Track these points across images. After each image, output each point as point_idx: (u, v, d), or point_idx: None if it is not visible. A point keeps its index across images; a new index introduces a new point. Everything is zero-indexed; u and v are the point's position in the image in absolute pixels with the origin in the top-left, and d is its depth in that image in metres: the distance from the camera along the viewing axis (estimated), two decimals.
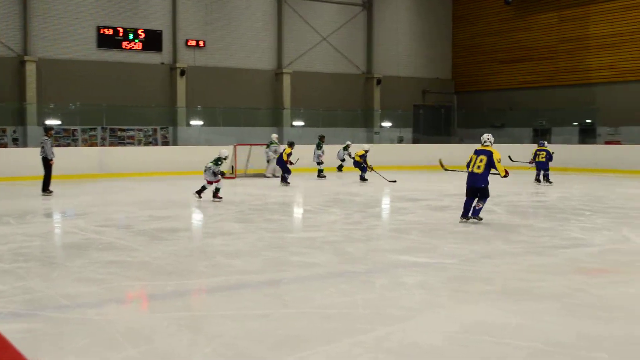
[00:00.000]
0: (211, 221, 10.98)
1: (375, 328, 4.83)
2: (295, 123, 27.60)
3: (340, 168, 22.29)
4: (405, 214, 11.61)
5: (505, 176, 10.33)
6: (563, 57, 29.41)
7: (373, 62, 30.49)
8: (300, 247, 8.34)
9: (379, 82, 30.19)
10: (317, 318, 5.16)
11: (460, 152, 25.40)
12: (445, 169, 11.80)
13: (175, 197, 14.49)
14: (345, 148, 21.80)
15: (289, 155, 17.90)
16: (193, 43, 25.55)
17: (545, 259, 7.44)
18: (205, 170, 13.43)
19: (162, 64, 25.05)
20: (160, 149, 23.06)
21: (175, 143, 24.44)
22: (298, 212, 13.03)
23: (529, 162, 18.17)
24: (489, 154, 10.13)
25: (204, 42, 25.85)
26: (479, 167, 10.14)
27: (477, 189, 10.24)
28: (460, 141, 29.71)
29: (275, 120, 27.26)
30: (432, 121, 31.80)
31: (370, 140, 27.23)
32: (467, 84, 33.09)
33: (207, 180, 13.48)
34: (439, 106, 32.54)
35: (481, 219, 10.33)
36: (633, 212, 11.92)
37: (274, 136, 20.85)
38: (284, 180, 17.68)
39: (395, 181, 17.47)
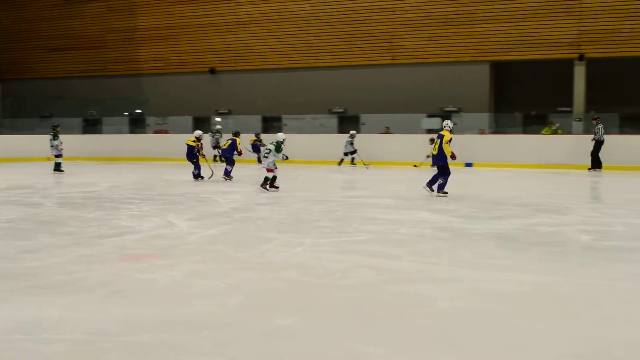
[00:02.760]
0: None
1: None
2: None
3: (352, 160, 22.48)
4: None
5: (452, 157, 12.16)
6: (113, 47, 29.64)
7: None
8: None
9: None
10: None
11: (11, 143, 24.09)
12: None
13: None
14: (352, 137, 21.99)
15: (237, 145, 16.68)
16: None
17: (92, 249, 7.36)
18: (265, 157, 13.57)
19: None
20: None
21: None
22: None
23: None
24: (441, 137, 12.15)
25: None
26: (435, 149, 12.27)
27: (438, 167, 12.30)
28: (9, 132, 28.10)
29: None
30: None
31: None
32: (13, 71, 31.39)
33: (266, 169, 13.50)
34: None
35: (446, 193, 12.36)
36: (178, 199, 12.51)
37: None
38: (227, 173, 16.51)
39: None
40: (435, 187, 12.72)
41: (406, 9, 25.48)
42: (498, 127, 24.58)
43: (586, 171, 19.44)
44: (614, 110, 23.36)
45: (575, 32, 23.47)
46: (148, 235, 8.39)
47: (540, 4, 23.85)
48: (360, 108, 26.04)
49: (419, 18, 25.28)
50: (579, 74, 23.58)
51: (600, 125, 19.81)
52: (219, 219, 9.78)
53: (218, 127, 23.83)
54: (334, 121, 26.66)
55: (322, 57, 26.78)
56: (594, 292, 5.52)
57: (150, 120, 28.49)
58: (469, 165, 21.20)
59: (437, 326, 4.58)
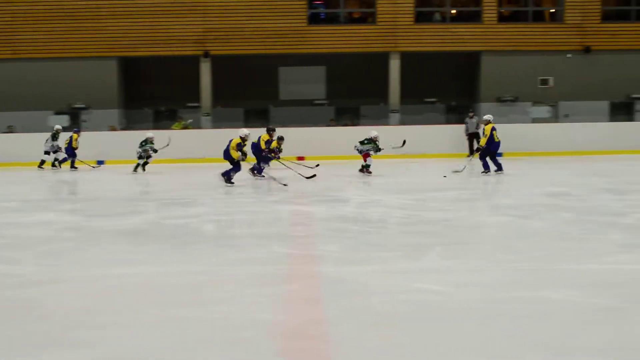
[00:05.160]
0: None
1: None
2: None
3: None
4: None
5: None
6: None
7: None
8: None
9: None
10: None
11: None
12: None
13: None
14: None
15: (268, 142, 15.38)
16: None
17: None
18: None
19: None
20: None
21: None
22: None
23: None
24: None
25: None
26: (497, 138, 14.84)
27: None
28: None
29: None
30: None
31: None
32: None
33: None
34: None
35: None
36: None
37: None
38: (259, 171, 15.10)
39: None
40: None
41: (26, 1, 24.10)
42: (129, 124, 24.47)
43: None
44: (239, 105, 24.69)
45: (200, 30, 24.27)
46: None
47: (167, 1, 24.22)
48: None
49: (40, 11, 24.07)
50: (205, 70, 24.44)
51: (475, 119, 21.60)
52: None
53: (57, 127, 20.03)
54: None
55: None
56: (212, 277, 5.76)
57: None
58: (100, 163, 20.75)
59: (51, 328, 4.40)
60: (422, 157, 20.78)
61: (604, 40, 24.41)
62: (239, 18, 24.29)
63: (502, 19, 24.87)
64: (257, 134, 20.98)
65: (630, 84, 24.28)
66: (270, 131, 15.69)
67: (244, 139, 14.15)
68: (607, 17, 24.89)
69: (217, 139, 17.55)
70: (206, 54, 24.21)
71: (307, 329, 4.34)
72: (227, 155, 13.94)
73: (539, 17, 25.68)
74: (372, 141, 15.29)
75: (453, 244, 7.25)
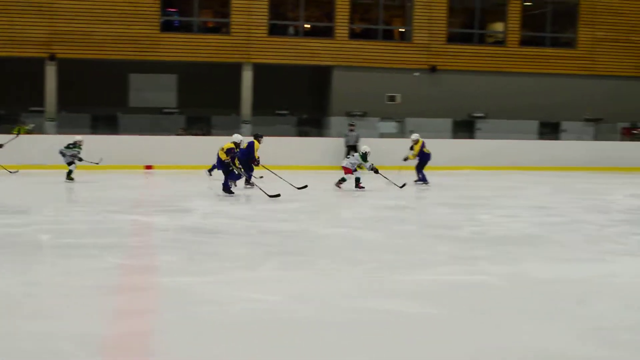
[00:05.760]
0: None
1: None
2: None
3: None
4: None
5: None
6: None
7: None
8: None
9: None
10: None
11: None
12: None
13: None
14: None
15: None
16: None
17: None
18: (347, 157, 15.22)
19: None
20: None
21: None
22: None
23: None
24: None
25: None
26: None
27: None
28: None
29: None
30: None
31: None
32: None
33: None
34: None
35: None
36: None
37: None
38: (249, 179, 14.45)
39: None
40: None
41: None
42: None
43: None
44: (86, 111, 23.88)
45: (46, 32, 23.28)
46: None
47: (11, 1, 23.06)
48: None
49: None
50: (51, 73, 23.46)
51: (355, 132, 22.56)
52: None
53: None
54: None
55: None
56: (39, 289, 5.53)
57: None
58: None
59: None
60: (274, 168, 20.88)
61: (448, 61, 25.55)
62: (88, 21, 23.48)
63: (353, 35, 25.47)
64: (104, 141, 20.39)
65: (471, 103, 25.52)
66: (259, 138, 15.12)
67: (238, 145, 13.57)
68: (452, 38, 26.06)
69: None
70: (52, 57, 23.25)
71: (129, 341, 4.24)
72: (220, 164, 13.37)
73: (388, 35, 26.51)
74: (365, 156, 14.67)
75: (291, 255, 7.33)
